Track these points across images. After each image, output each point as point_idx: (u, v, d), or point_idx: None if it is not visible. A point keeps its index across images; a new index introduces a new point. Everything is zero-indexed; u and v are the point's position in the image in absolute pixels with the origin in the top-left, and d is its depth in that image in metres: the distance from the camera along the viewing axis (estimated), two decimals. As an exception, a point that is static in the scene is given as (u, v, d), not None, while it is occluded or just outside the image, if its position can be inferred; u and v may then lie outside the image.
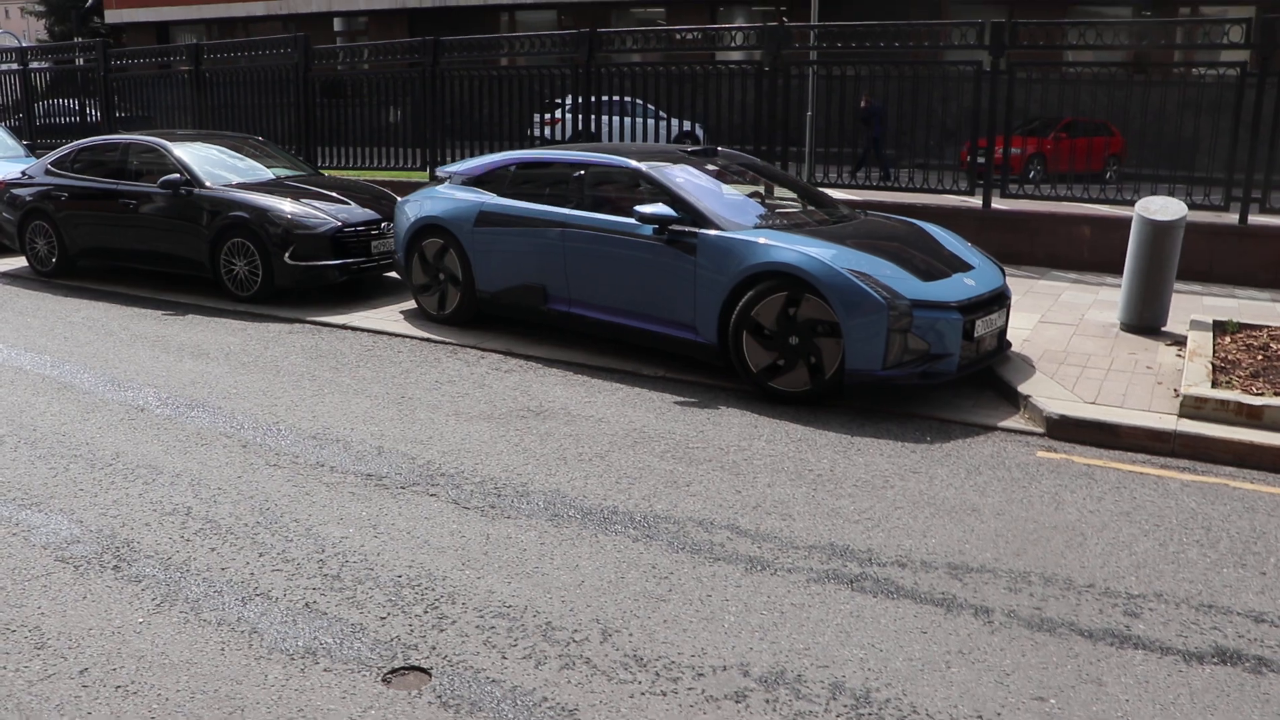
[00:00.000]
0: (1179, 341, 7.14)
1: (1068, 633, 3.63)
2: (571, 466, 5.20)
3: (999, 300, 6.53)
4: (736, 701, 3.18)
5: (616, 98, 13.27)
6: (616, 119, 13.25)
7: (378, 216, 9.27)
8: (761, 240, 6.41)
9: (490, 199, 7.87)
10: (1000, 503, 4.82)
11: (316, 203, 9.12)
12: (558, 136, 13.77)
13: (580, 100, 12.88)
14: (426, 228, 8.21)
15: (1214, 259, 9.61)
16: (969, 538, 4.42)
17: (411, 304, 9.03)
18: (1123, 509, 4.76)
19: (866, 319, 5.93)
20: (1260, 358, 6.35)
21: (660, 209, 6.70)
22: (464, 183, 8.25)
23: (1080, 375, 6.47)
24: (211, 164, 9.64)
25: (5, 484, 4.91)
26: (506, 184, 7.93)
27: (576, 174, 7.51)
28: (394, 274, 9.63)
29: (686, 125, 18.62)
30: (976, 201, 10.83)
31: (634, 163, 7.24)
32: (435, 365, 7.16)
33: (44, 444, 5.46)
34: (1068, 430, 5.70)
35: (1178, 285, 8.36)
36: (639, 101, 13.95)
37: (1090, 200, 10.54)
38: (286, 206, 8.94)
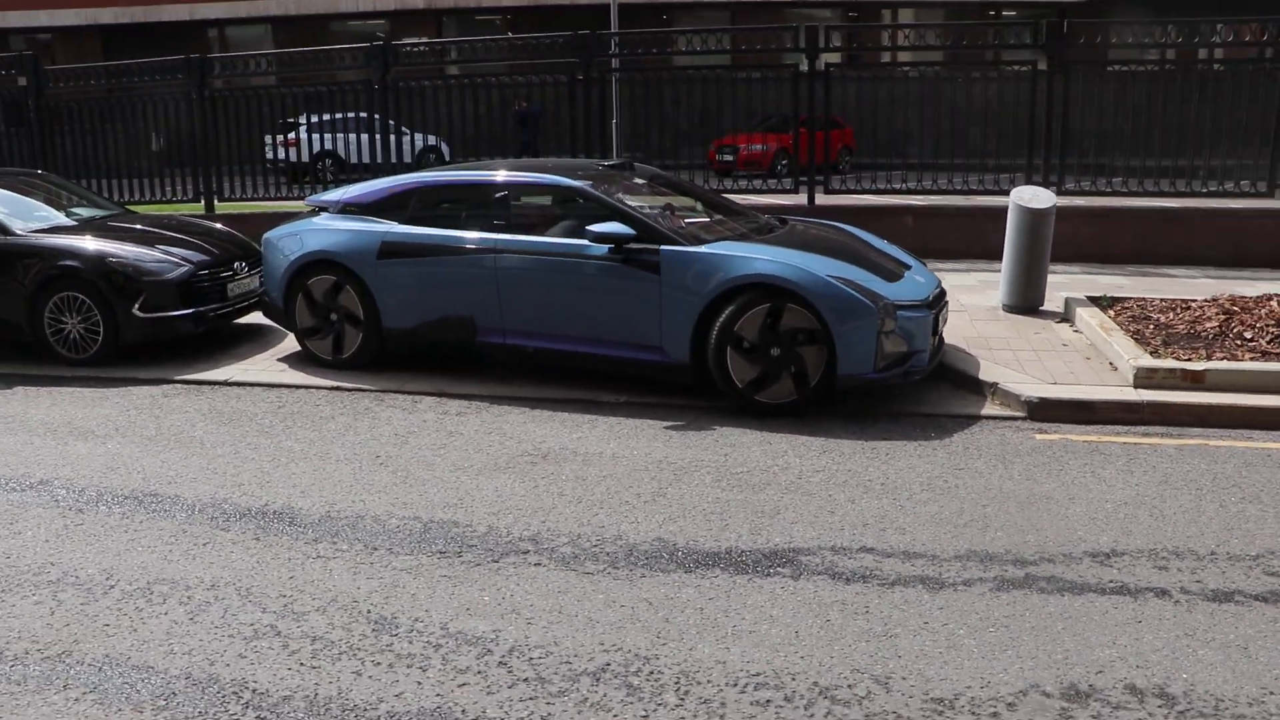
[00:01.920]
0: (1066, 319, 7.92)
1: None
2: (645, 510, 4.95)
3: (943, 295, 6.93)
4: (1061, 726, 3.21)
5: (353, 115, 12.71)
6: (354, 136, 12.69)
7: (230, 255, 8.27)
8: (732, 253, 6.39)
9: (393, 228, 7.25)
10: (1059, 487, 5.14)
11: (155, 246, 7.99)
12: (293, 158, 13.09)
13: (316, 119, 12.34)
14: (313, 263, 7.44)
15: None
16: (1078, 526, 4.69)
17: (284, 350, 8.16)
18: (1164, 477, 5.23)
19: (857, 324, 6.10)
20: (1151, 327, 7.17)
21: (617, 227, 6.50)
22: (351, 211, 7.55)
23: (1014, 359, 7.01)
24: (10, 207, 8.16)
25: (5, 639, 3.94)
26: (409, 210, 7.34)
27: (499, 195, 7.09)
28: (246, 319, 8.62)
29: (428, 140, 18.23)
30: (802, 199, 11.38)
31: (570, 180, 6.96)
32: (374, 416, 6.52)
33: (-2, 571, 4.43)
34: (1047, 411, 6.17)
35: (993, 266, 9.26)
36: (376, 118, 13.51)
37: (902, 191, 11.34)
38: (127, 250, 7.76)
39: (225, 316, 8.17)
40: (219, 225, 9.09)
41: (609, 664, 3.60)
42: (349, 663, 3.61)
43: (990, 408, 6.38)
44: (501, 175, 7.20)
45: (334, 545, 4.60)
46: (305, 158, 14.93)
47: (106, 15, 24.42)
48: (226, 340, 8.51)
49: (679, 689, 3.43)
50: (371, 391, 7.07)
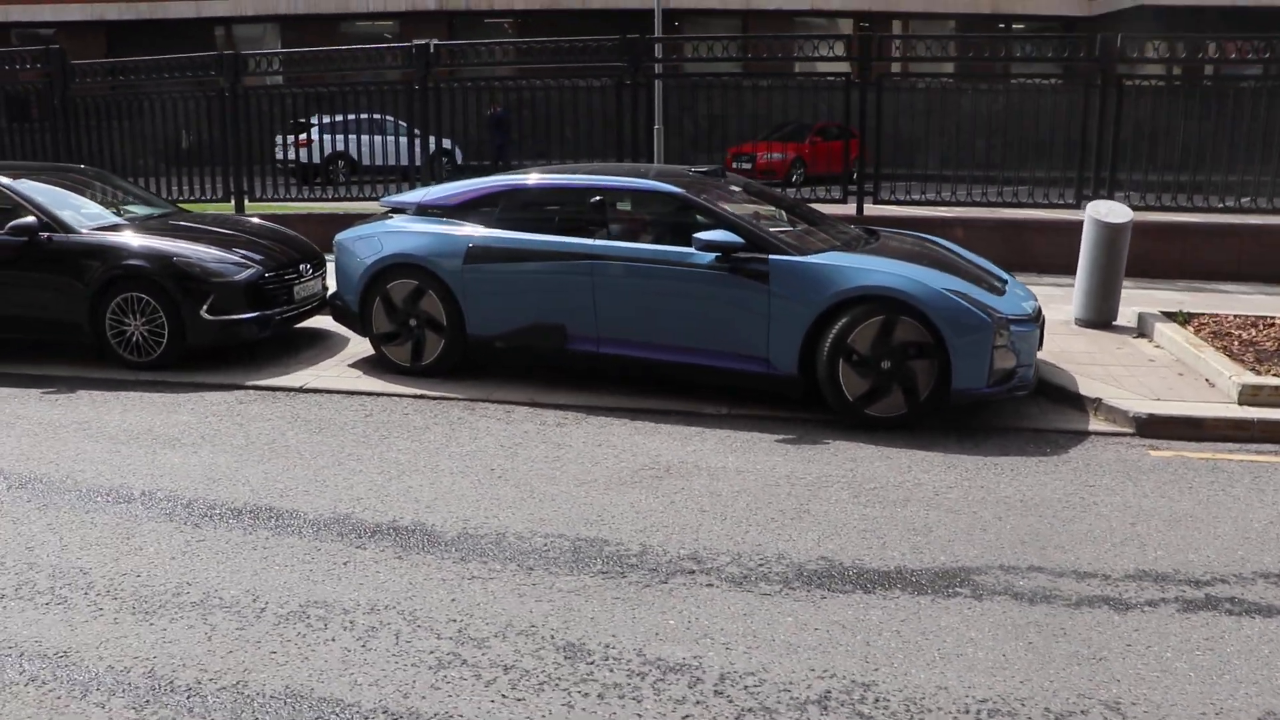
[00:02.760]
0: (1143, 334, 7.94)
1: None
2: (795, 528, 4.85)
3: (1041, 310, 6.90)
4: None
5: (365, 115, 12.56)
6: (367, 138, 12.52)
7: (293, 256, 8.06)
8: (844, 264, 6.32)
9: (480, 231, 7.09)
10: (1197, 506, 5.12)
11: (220, 245, 7.76)
12: (303, 159, 12.94)
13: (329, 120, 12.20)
14: (393, 267, 7.26)
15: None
16: (1235, 546, 4.66)
17: (352, 355, 7.98)
18: (1294, 498, 5.24)
19: (972, 338, 6.04)
20: (1237, 344, 7.20)
21: (724, 235, 6.40)
22: (431, 214, 7.37)
23: (1106, 374, 7.00)
24: (68, 204, 7.89)
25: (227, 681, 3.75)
26: (496, 214, 7.18)
27: (594, 200, 6.95)
28: (306, 323, 8.40)
29: (445, 143, 18.12)
30: (850, 208, 11.35)
31: (670, 186, 6.85)
32: (471, 427, 6.36)
33: (137, 599, 4.22)
34: (1156, 428, 6.15)
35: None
36: (389, 119, 13.43)
37: (950, 203, 11.37)
38: (193, 250, 7.53)
39: (291, 320, 7.96)
40: (275, 225, 8.85)
41: (829, 691, 3.50)
42: (554, 693, 3.47)
43: (1096, 423, 6.36)
44: (596, 180, 7.07)
45: (485, 565, 4.45)
46: (317, 159, 14.75)
47: (112, 11, 23.91)
48: (289, 344, 8.29)
49: (911, 716, 3.34)
50: (460, 400, 6.91)
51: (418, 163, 16.58)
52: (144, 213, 8.50)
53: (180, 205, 10.45)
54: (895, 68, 11.85)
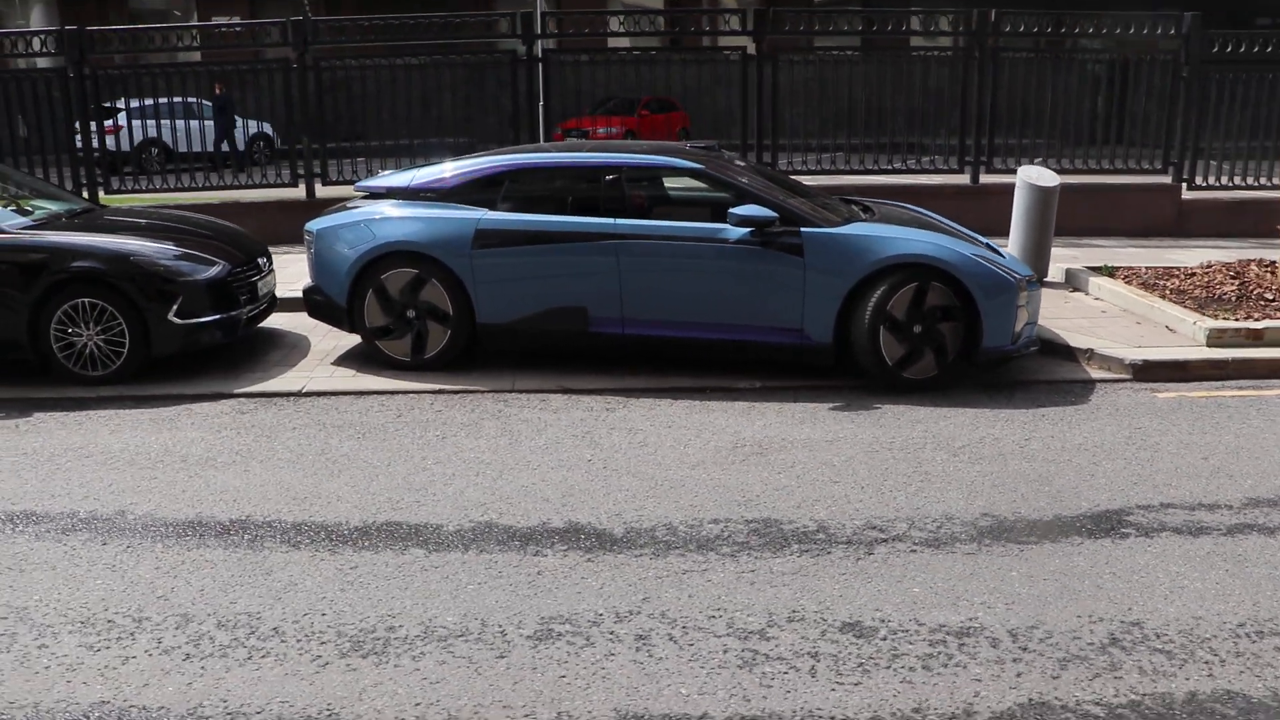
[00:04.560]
0: (1077, 289, 8.70)
1: None
2: (931, 488, 5.03)
3: None
4: None
5: (179, 99, 11.71)
6: (182, 123, 11.67)
7: (253, 251, 7.36)
8: (876, 234, 6.53)
9: (487, 215, 6.76)
10: (1239, 439, 5.73)
11: (172, 241, 6.95)
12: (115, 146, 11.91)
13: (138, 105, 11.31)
14: (388, 256, 6.79)
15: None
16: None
17: (327, 353, 7.41)
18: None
19: (1001, 299, 6.44)
20: (1171, 294, 8.04)
21: (758, 210, 6.45)
22: (425, 197, 6.93)
23: (1073, 326, 7.65)
24: (-22, 199, 6.80)
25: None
26: (501, 195, 6.85)
27: (609, 177, 6.79)
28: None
29: (257, 127, 17.12)
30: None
31: (688, 162, 6.79)
32: (522, 420, 6.09)
33: (347, 640, 3.80)
34: (1149, 372, 6.81)
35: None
36: (206, 103, 12.64)
37: (843, 171, 11.84)
38: (149, 247, 6.71)
39: (256, 320, 7.27)
40: (211, 218, 8.00)
41: (1112, 633, 3.72)
42: (883, 673, 3.46)
43: (1094, 371, 6.95)
44: (612, 157, 6.90)
45: (684, 557, 4.33)
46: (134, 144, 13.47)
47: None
48: (246, 348, 7.54)
49: (1196, 645, 3.61)
50: (485, 392, 6.58)
51: (240, 148, 15.43)
52: (61, 208, 7.45)
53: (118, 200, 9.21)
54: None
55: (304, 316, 8.24)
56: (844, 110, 11.29)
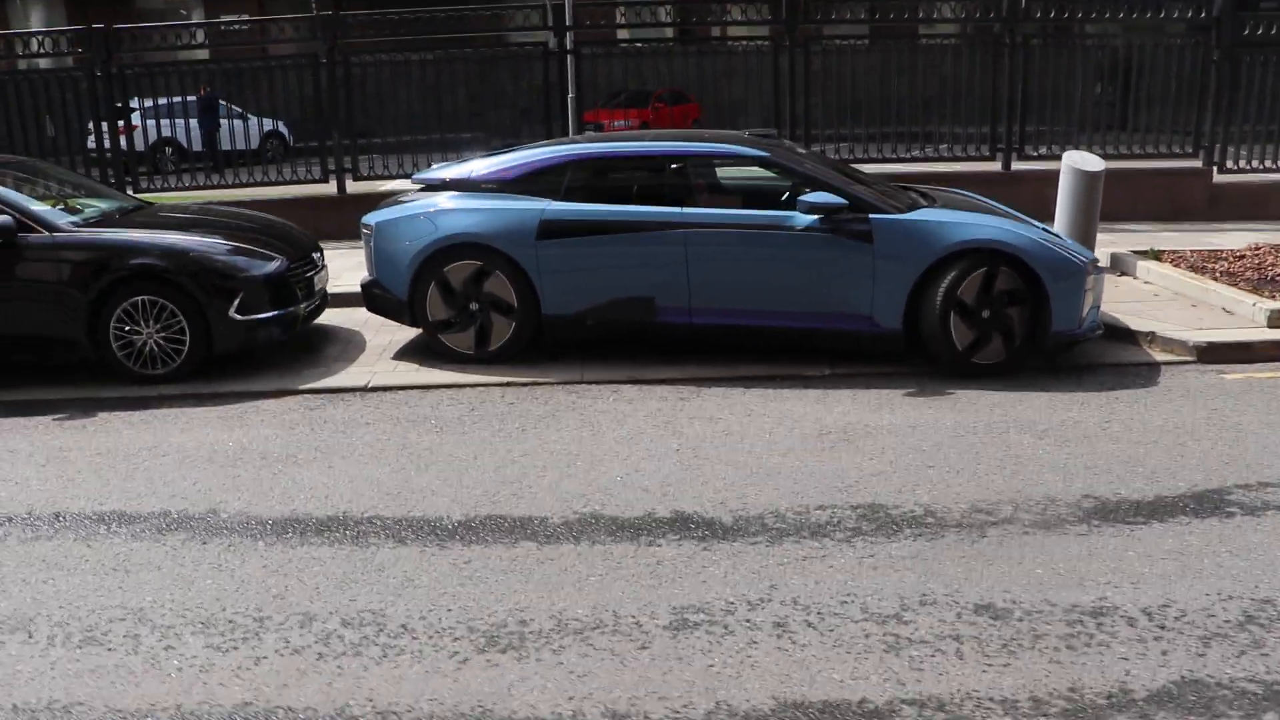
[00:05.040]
0: (1125, 273, 8.69)
1: None
2: (1024, 472, 5.00)
3: None
4: None
5: (193, 97, 11.60)
6: (196, 121, 11.56)
7: (307, 245, 7.29)
8: (944, 220, 6.50)
9: (552, 205, 6.70)
10: (1322, 417, 5.74)
11: (229, 236, 6.88)
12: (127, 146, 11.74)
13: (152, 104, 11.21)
14: (451, 248, 6.73)
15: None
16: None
17: (385, 346, 7.35)
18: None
19: (1069, 282, 6.42)
20: (1223, 276, 8.04)
21: (828, 197, 6.41)
22: (486, 189, 6.86)
23: (1131, 309, 7.63)
24: (33, 199, 6.69)
25: None
26: (564, 186, 6.79)
27: (674, 166, 6.74)
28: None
29: (269, 124, 17.00)
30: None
31: (754, 150, 6.74)
32: (600, 410, 6.04)
33: (481, 635, 3.75)
34: (1213, 354, 6.79)
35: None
36: (223, 102, 12.54)
37: (873, 160, 11.80)
38: (208, 244, 6.63)
39: (313, 315, 7.20)
40: (257, 213, 7.92)
41: (1246, 611, 3.70)
42: (1033, 655, 3.44)
43: (1158, 354, 6.93)
44: (676, 146, 6.85)
45: (800, 544, 4.29)
46: (141, 146, 13.32)
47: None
48: (302, 344, 7.46)
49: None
50: (554, 384, 6.53)
51: (254, 145, 15.33)
52: (112, 206, 7.36)
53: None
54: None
55: (353, 312, 8.23)
56: (875, 99, 11.24)
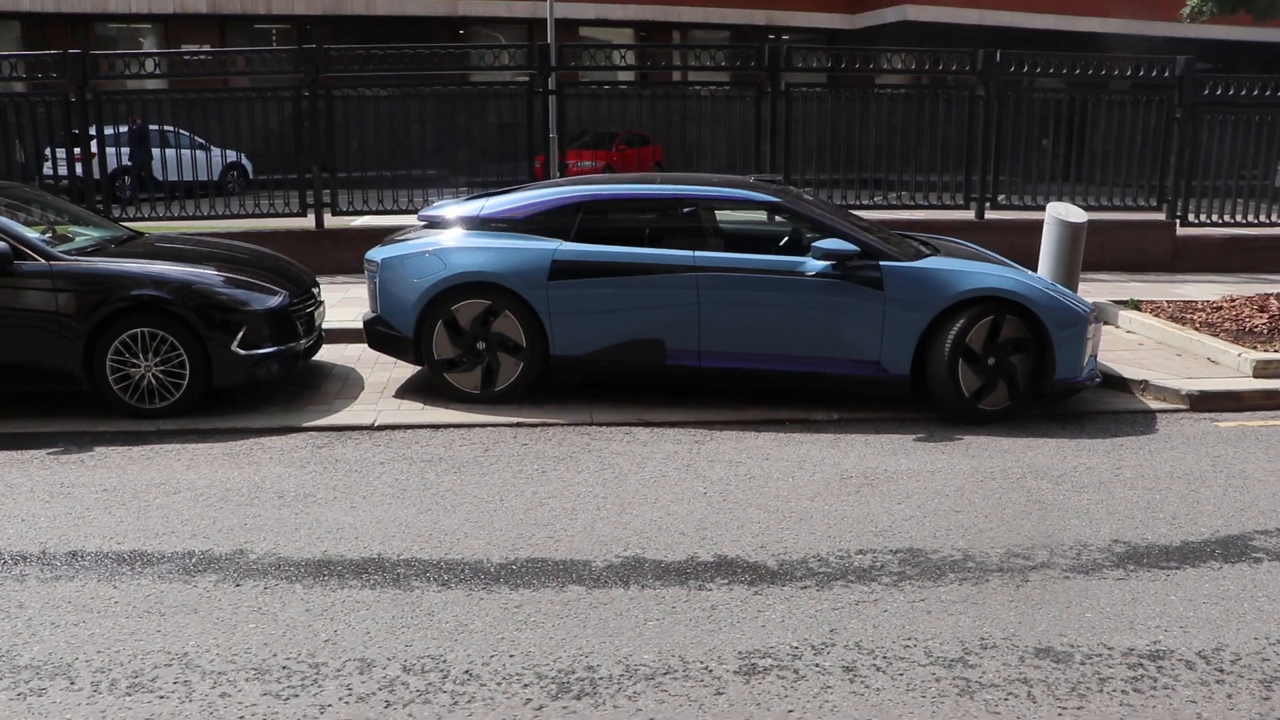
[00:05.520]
0: (1106, 322, 8.92)
1: None
2: (1050, 517, 5.08)
3: None
4: None
5: (154, 126, 11.44)
6: (158, 150, 11.37)
7: (306, 280, 7.16)
8: (953, 268, 6.63)
9: (564, 245, 6.68)
10: (1320, 465, 5.93)
11: (229, 270, 6.73)
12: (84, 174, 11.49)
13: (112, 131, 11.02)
14: (460, 287, 6.66)
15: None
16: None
17: (384, 384, 7.22)
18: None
19: (1073, 331, 6.57)
20: (1202, 327, 8.30)
21: (840, 244, 6.50)
22: (496, 227, 6.82)
23: (1119, 359, 7.84)
24: (25, 226, 6.48)
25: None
26: (575, 226, 6.77)
27: (686, 210, 6.78)
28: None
29: (231, 156, 16.77)
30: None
31: (767, 195, 6.81)
32: (615, 453, 6.00)
33: (553, 685, 3.67)
34: (1206, 403, 7.00)
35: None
36: (183, 132, 12.37)
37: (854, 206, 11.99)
38: (213, 276, 6.49)
39: (312, 351, 7.06)
40: (253, 245, 7.76)
41: (1301, 658, 3.78)
42: (1103, 697, 3.48)
43: (1151, 402, 7.12)
44: (688, 190, 6.88)
45: (849, 588, 4.28)
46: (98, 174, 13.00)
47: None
48: (296, 381, 7.30)
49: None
50: (564, 425, 6.47)
51: (215, 177, 15.09)
52: (105, 235, 7.16)
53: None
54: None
55: (342, 348, 8.11)
56: (852, 146, 11.46)
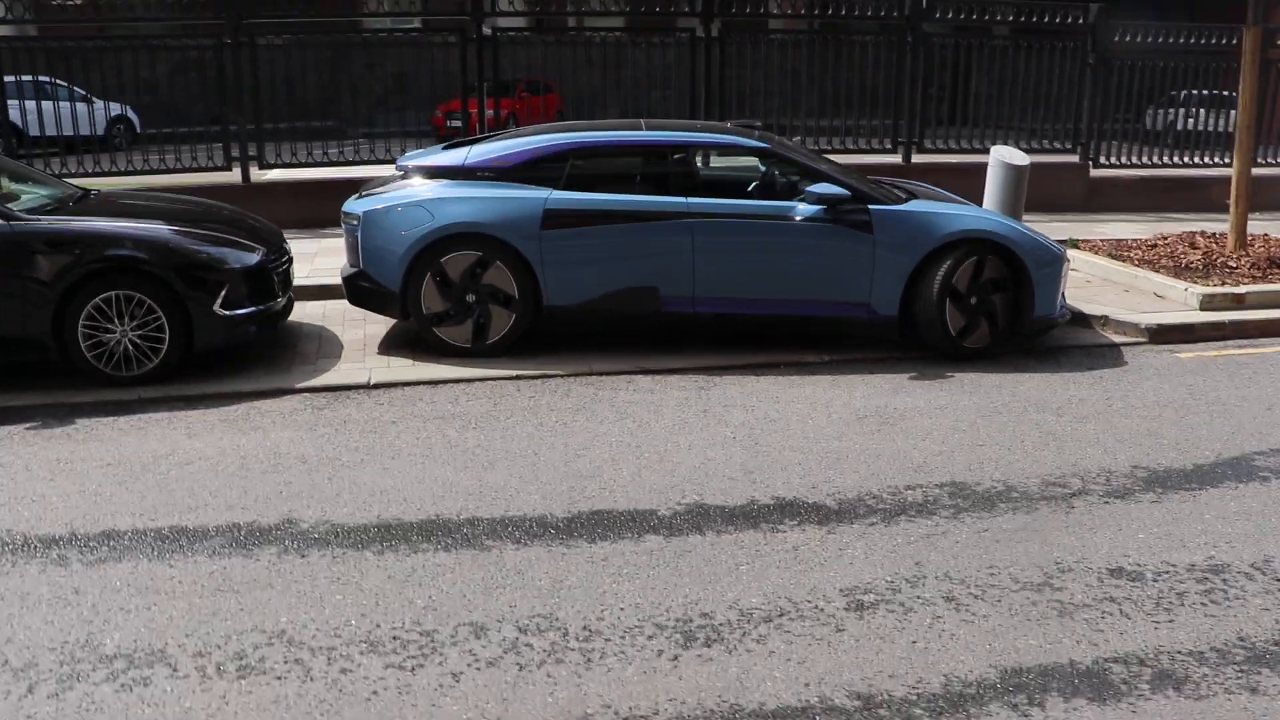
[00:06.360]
0: (1047, 259, 9.29)
1: None
2: (1065, 447, 5.32)
3: None
4: None
5: (29, 78, 10.78)
6: (34, 103, 10.69)
7: (276, 237, 6.82)
8: (938, 211, 6.79)
9: (555, 194, 6.54)
10: (1277, 393, 6.38)
11: (201, 226, 6.36)
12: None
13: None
14: (450, 238, 6.47)
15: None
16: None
17: (362, 341, 6.98)
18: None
19: (1050, 269, 6.84)
20: (1141, 263, 8.75)
21: (832, 188, 6.58)
22: (483, 177, 6.62)
23: (1073, 295, 8.18)
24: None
25: None
26: (565, 174, 6.63)
27: (676, 156, 6.72)
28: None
29: (115, 109, 15.84)
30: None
31: (753, 141, 6.81)
32: (626, 401, 5.98)
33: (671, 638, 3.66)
34: (1163, 335, 7.40)
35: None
36: (61, 84, 11.66)
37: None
38: (188, 233, 6.11)
39: (287, 310, 6.75)
40: (214, 201, 7.31)
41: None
42: (1187, 610, 3.71)
43: (1113, 335, 7.48)
44: (678, 136, 6.81)
45: (913, 523, 4.41)
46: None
47: None
48: (274, 343, 6.96)
49: None
50: (564, 376, 6.40)
51: (100, 131, 14.14)
52: (58, 193, 6.62)
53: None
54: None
55: (303, 305, 7.77)
56: (788, 92, 11.54)
